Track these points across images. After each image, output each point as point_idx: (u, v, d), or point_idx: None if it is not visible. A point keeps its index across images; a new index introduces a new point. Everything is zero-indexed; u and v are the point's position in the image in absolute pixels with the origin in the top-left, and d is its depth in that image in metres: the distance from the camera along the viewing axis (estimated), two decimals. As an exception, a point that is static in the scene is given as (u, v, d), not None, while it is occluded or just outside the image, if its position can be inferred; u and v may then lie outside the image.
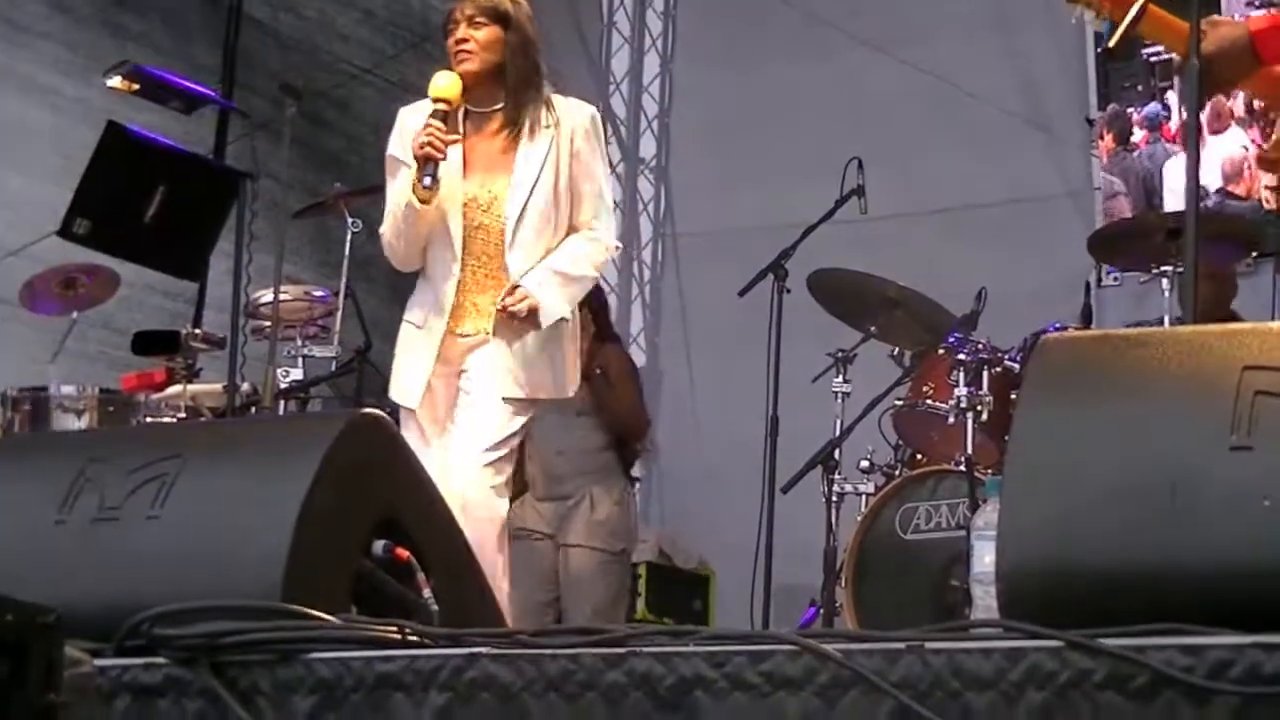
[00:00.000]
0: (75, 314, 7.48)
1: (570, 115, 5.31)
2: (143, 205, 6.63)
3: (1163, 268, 6.49)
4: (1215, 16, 4.10)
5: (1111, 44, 4.01)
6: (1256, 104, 6.62)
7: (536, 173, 5.21)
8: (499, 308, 5.13)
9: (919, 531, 6.51)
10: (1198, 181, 3.93)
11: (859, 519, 6.69)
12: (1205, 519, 2.81)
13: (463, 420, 5.15)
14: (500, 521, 5.09)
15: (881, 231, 8.35)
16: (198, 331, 7.26)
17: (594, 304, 7.55)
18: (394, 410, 5.23)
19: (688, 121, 11.52)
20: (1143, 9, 3.87)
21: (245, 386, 6.82)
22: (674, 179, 11.61)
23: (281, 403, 6.99)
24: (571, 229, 5.32)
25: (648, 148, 11.82)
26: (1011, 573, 2.90)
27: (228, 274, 6.83)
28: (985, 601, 5.49)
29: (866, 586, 6.59)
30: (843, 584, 6.62)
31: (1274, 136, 4.14)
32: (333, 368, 7.40)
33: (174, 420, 6.95)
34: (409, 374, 5.27)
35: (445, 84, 5.18)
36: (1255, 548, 2.76)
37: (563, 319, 5.27)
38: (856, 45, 9.98)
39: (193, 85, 6.75)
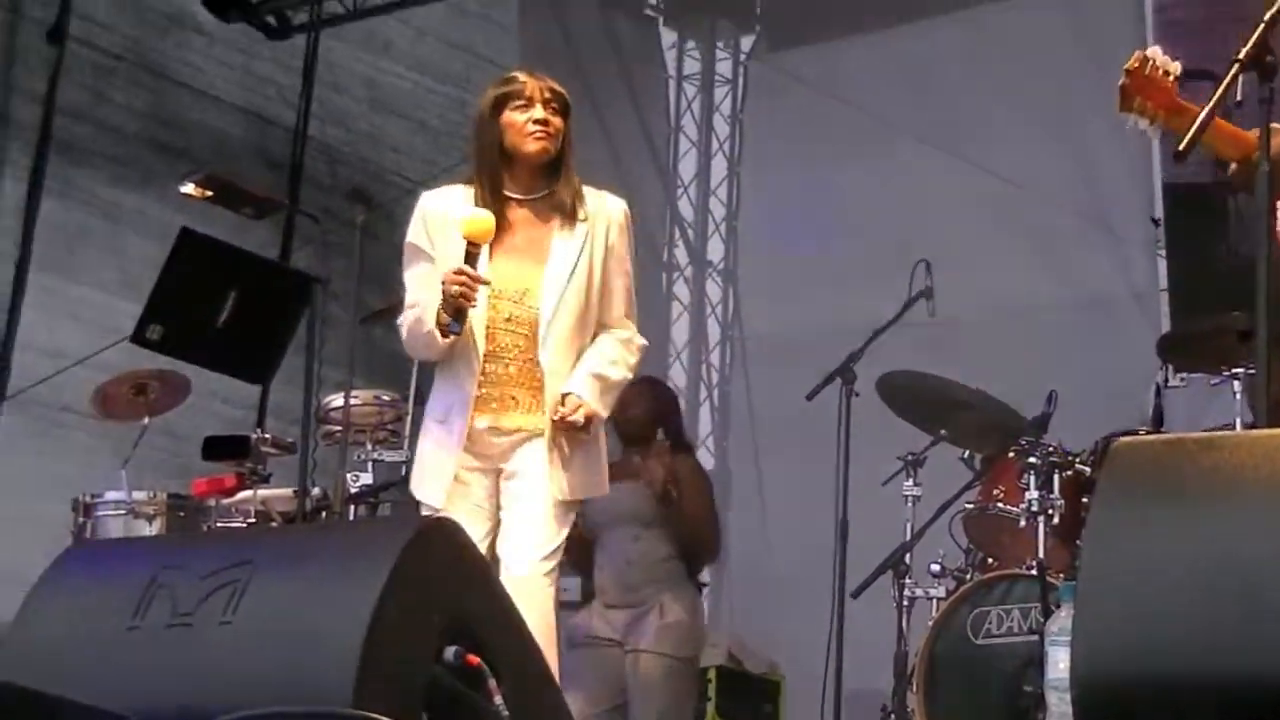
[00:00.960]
0: (146, 420, 7.51)
1: (604, 209, 5.21)
2: (215, 310, 6.71)
3: (1234, 370, 6.45)
4: (1275, 124, 4.09)
5: (1181, 148, 4.01)
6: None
7: (572, 266, 5.11)
8: (556, 419, 5.04)
9: (991, 636, 6.45)
10: (1268, 284, 3.90)
11: (930, 624, 6.63)
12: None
13: (517, 523, 5.07)
14: (554, 628, 5.05)
15: (948, 333, 8.33)
16: (268, 436, 7.29)
17: (670, 413, 7.56)
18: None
19: (755, 224, 11.56)
20: (1210, 115, 3.87)
21: (315, 491, 6.86)
22: (742, 281, 11.65)
23: (352, 508, 7.00)
24: (600, 326, 5.22)
25: (715, 250, 11.87)
26: (1087, 679, 2.88)
27: (282, 381, 6.90)
28: (1060, 708, 5.45)
29: (938, 692, 6.52)
30: (914, 690, 6.56)
31: None
32: (403, 472, 7.39)
33: (244, 525, 6.99)
34: (433, 470, 5.18)
35: (481, 223, 5.02)
36: (1335, 654, 2.73)
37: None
38: (921, 146, 10.02)
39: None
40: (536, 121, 5.11)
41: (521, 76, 5.20)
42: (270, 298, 6.84)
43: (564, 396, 5.06)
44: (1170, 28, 8.91)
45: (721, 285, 11.81)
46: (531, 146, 5.13)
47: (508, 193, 5.19)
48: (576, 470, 5.13)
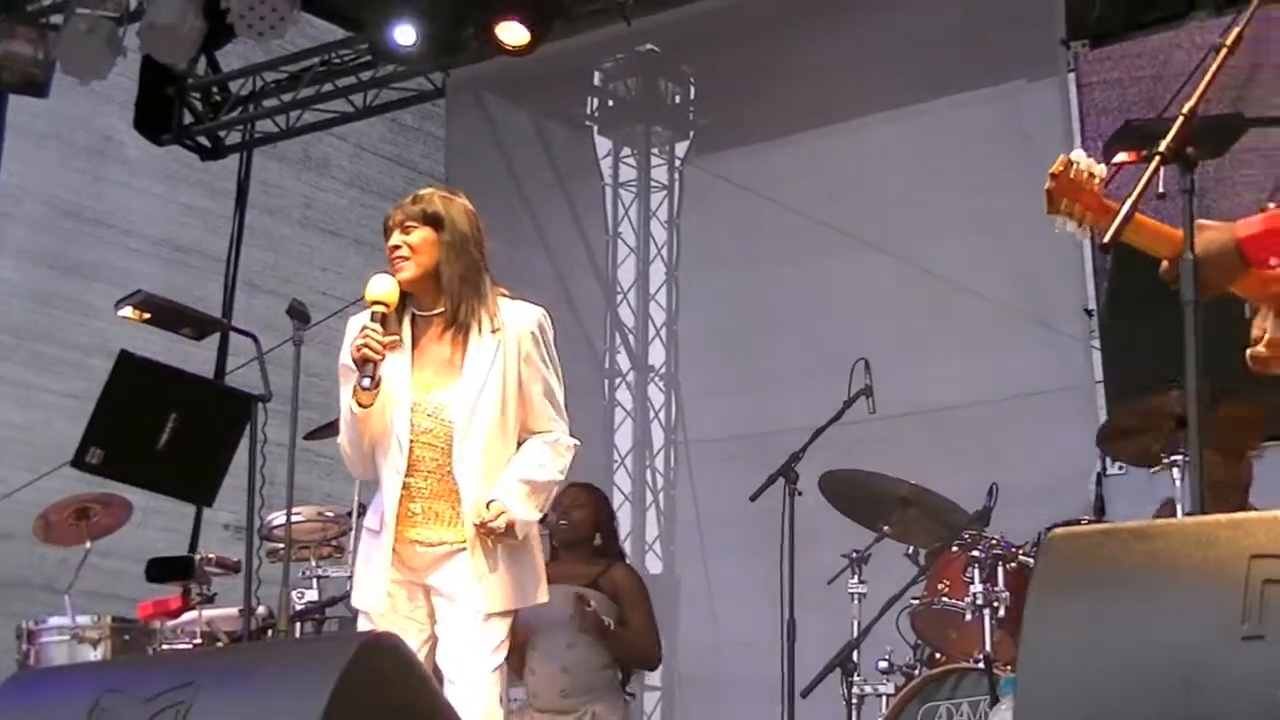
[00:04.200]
0: (89, 543, 7.48)
1: (517, 318, 5.26)
2: (155, 433, 6.70)
3: (1172, 456, 6.49)
4: (1202, 220, 4.14)
5: (1106, 240, 4.06)
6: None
7: (483, 379, 5.16)
8: (477, 524, 5.07)
9: (941, 731, 6.46)
10: (1199, 375, 3.94)
11: (880, 721, 6.65)
12: (1221, 712, 2.80)
13: (451, 637, 5.11)
14: None
15: (888, 431, 8.36)
16: (211, 556, 7.28)
17: (608, 520, 7.58)
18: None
19: (695, 328, 11.60)
20: (1134, 207, 3.91)
21: (261, 610, 6.83)
22: (684, 386, 11.67)
23: (297, 625, 6.97)
24: (526, 432, 5.27)
25: (656, 355, 11.91)
26: (1029, 772, 2.89)
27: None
28: (1007, 801, 5.45)
29: (890, 789, 6.51)
30: (867, 787, 6.56)
31: (1266, 335, 4.16)
32: (347, 588, 7.38)
33: (190, 646, 6.95)
34: (369, 580, 5.21)
35: (380, 286, 5.17)
36: (1273, 739, 2.75)
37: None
38: (856, 245, 10.07)
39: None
40: (392, 249, 5.24)
41: (396, 206, 5.33)
42: (210, 418, 6.83)
43: (488, 504, 5.08)
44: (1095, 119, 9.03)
45: (664, 390, 11.83)
46: (395, 277, 5.24)
47: (414, 310, 5.29)
48: (505, 579, 5.14)
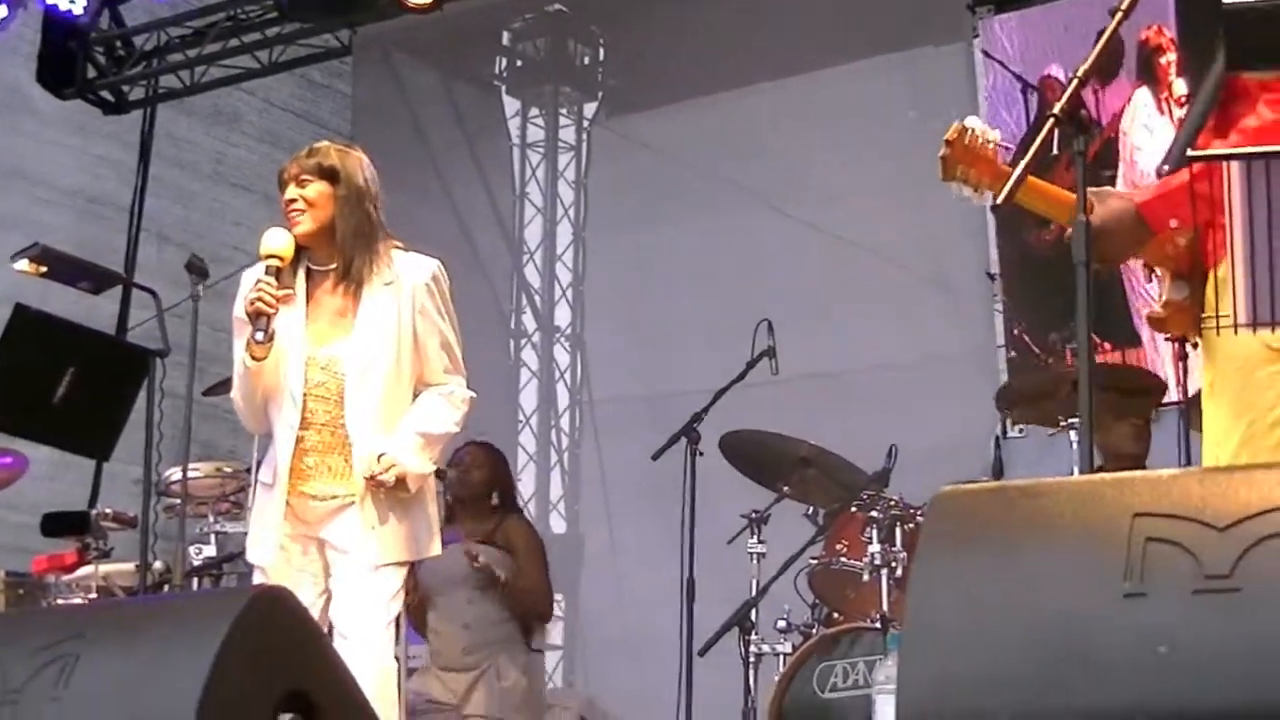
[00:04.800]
0: (-17, 497, 7.42)
1: (411, 271, 5.23)
2: (52, 386, 6.63)
3: (1070, 420, 6.55)
4: (1105, 189, 4.17)
5: (1000, 200, 4.08)
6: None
7: (376, 332, 5.15)
8: (367, 478, 5.07)
9: (837, 690, 6.48)
10: (1089, 340, 3.97)
11: (777, 679, 6.68)
12: (1102, 668, 2.83)
13: (343, 591, 5.09)
14: (394, 690, 5.08)
15: (791, 392, 8.39)
16: (108, 511, 7.22)
17: (505, 476, 7.59)
18: None
19: (601, 289, 11.62)
20: (1025, 171, 3.93)
21: (158, 565, 6.78)
22: (589, 346, 11.69)
23: (194, 580, 6.94)
24: (422, 384, 5.25)
25: (562, 316, 11.92)
26: (911, 727, 2.91)
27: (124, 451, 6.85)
28: (895, 757, 5.48)
29: (786, 747, 6.55)
30: (763, 745, 6.59)
31: (1163, 297, 4.20)
32: (246, 544, 7.35)
33: (85, 601, 6.90)
34: (262, 534, 5.19)
35: (275, 240, 5.17)
36: (1152, 696, 2.77)
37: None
38: (762, 208, 10.12)
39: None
40: (288, 202, 5.22)
41: (290, 160, 5.31)
42: (108, 373, 6.77)
43: (379, 456, 5.07)
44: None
45: (569, 350, 11.85)
46: (290, 230, 5.22)
47: (310, 265, 5.26)
48: (397, 530, 5.12)
